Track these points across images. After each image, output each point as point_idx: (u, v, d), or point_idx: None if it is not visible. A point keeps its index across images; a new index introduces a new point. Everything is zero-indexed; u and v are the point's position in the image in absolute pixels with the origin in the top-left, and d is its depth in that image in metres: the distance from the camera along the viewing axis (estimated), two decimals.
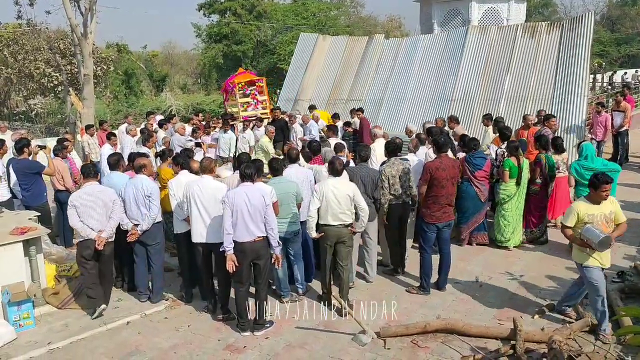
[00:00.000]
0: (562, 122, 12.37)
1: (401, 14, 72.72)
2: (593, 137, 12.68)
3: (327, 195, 6.02)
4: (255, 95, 13.88)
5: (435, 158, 6.71)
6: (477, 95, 14.16)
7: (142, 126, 12.98)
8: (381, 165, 7.38)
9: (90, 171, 6.40)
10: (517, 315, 5.53)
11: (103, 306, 6.29)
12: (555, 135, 9.65)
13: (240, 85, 13.66)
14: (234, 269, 5.66)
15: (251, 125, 12.71)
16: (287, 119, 13.17)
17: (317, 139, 12.58)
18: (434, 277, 6.82)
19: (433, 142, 6.77)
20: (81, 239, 6.23)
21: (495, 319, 6.00)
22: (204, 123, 13.71)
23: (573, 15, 34.52)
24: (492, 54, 14.46)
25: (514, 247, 8.11)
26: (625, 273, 6.83)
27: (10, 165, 8.16)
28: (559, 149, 8.47)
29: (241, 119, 13.08)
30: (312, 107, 13.94)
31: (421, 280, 6.75)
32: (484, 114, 11.37)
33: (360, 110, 13.26)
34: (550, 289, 6.71)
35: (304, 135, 12.76)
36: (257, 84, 14.06)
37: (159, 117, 13.74)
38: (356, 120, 13.11)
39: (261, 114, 13.67)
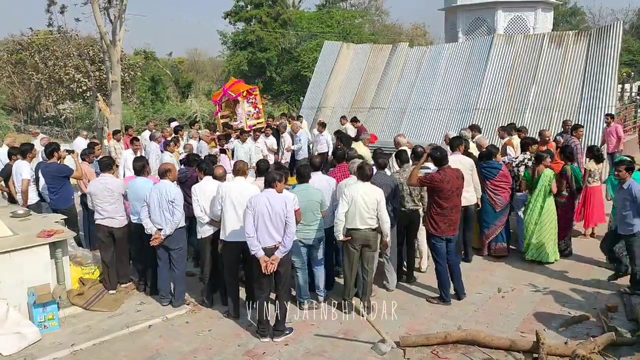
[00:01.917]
0: (589, 133, 12.17)
1: (426, 22, 72.43)
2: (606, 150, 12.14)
3: (356, 200, 6.12)
4: (256, 103, 13.96)
5: (438, 170, 6.55)
6: (502, 105, 14.01)
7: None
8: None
9: (105, 164, 7.21)
10: (540, 328, 5.45)
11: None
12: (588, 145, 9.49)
13: (243, 94, 13.67)
14: (267, 271, 5.60)
15: (264, 134, 12.71)
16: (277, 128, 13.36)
17: (305, 148, 12.91)
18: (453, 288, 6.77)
19: (431, 157, 6.64)
20: (98, 223, 7.08)
21: (518, 331, 5.91)
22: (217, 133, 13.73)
23: (601, 24, 34.03)
24: (518, 63, 14.30)
25: (533, 260, 7.89)
26: None
27: (39, 169, 8.35)
28: (598, 159, 8.35)
29: (247, 128, 13.10)
30: (300, 117, 14.44)
31: (440, 292, 6.71)
32: (508, 123, 11.25)
33: (355, 119, 13.27)
34: (574, 302, 6.60)
35: (293, 144, 12.96)
36: (253, 93, 14.08)
37: (175, 124, 13.95)
38: (347, 127, 13.14)
39: (257, 123, 13.71)
